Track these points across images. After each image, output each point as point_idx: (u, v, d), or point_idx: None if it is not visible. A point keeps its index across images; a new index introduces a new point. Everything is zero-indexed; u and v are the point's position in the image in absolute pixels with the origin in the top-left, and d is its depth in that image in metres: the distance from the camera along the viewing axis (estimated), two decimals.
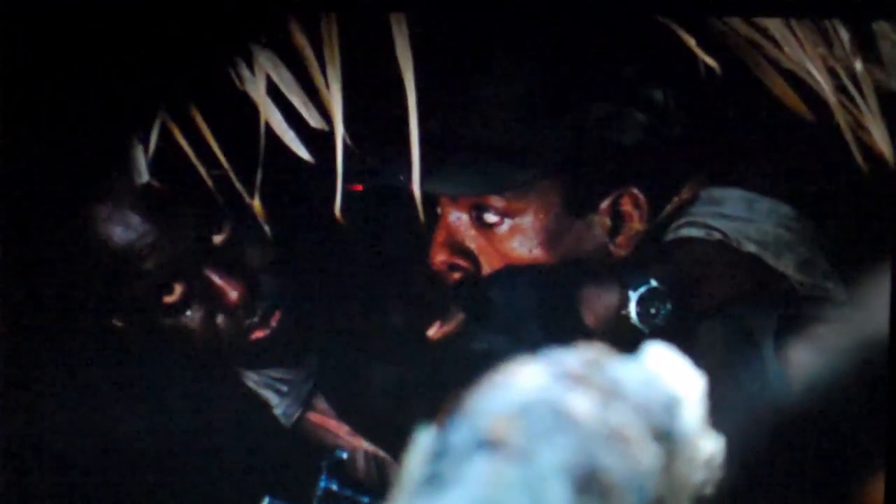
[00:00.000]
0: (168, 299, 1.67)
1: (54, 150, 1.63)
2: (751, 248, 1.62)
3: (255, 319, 1.68)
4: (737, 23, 1.59)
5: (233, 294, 1.66)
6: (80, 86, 1.59)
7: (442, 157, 1.62)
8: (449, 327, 1.59)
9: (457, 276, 1.66)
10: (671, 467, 0.96)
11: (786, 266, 1.62)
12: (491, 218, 1.64)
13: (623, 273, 1.58)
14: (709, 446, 1.02)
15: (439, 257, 1.66)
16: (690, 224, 1.65)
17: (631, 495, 0.91)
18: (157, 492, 1.70)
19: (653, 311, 1.56)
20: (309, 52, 1.56)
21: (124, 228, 1.63)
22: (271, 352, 1.73)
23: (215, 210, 1.66)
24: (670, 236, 1.66)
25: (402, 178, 1.62)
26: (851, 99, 1.56)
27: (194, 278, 1.66)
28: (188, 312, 1.68)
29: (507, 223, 1.63)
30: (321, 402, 1.80)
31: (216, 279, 1.66)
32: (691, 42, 1.55)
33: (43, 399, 1.71)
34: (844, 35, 1.56)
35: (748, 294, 1.61)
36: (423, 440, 0.92)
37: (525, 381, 0.94)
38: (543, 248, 1.63)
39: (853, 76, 1.56)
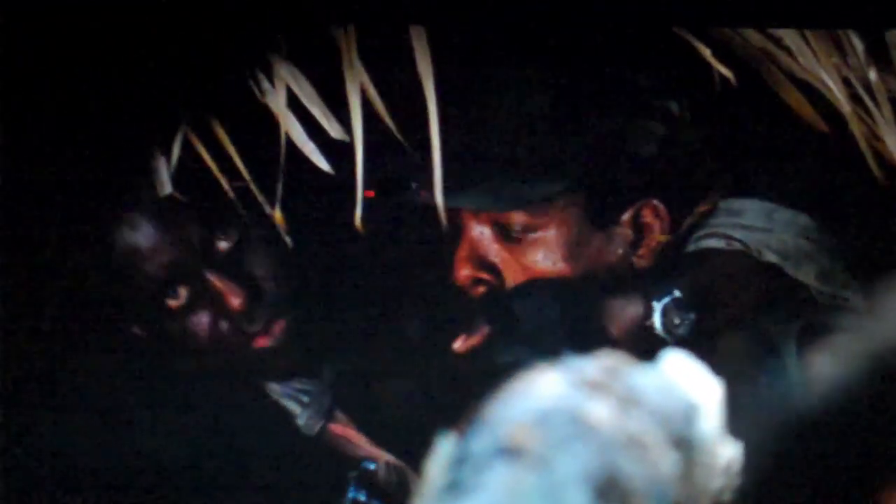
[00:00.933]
0: (173, 303, 1.67)
1: (78, 162, 1.64)
2: (771, 258, 1.62)
3: (258, 327, 1.69)
4: (751, 34, 1.60)
5: (235, 300, 1.66)
6: (104, 98, 1.60)
7: (465, 173, 1.63)
8: (474, 340, 1.59)
9: (481, 289, 1.66)
10: (689, 474, 0.96)
11: (806, 276, 1.62)
12: (514, 232, 1.64)
13: (646, 284, 1.59)
14: (727, 453, 1.03)
15: (463, 272, 1.66)
16: (711, 235, 1.65)
17: (650, 502, 0.91)
18: (178, 502, 1.70)
19: (676, 321, 1.56)
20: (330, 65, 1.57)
21: (130, 230, 1.65)
22: (278, 361, 1.74)
23: (222, 216, 1.67)
24: (691, 247, 1.66)
25: (414, 186, 1.63)
26: (866, 109, 1.56)
27: (198, 282, 1.67)
28: (193, 318, 1.68)
29: (530, 237, 1.63)
30: (343, 413, 1.80)
31: (218, 283, 1.67)
32: (707, 53, 1.55)
33: (62, 408, 1.72)
34: (859, 45, 1.56)
35: (769, 303, 1.62)
36: (444, 447, 0.93)
37: (544, 389, 0.95)
38: (566, 261, 1.63)
39: (867, 86, 1.55)
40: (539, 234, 1.63)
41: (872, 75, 1.55)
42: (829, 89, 1.56)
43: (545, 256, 1.63)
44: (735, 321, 1.60)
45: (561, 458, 0.90)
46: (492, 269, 1.65)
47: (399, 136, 1.57)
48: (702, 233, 1.65)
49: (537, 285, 1.62)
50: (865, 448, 1.52)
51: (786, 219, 1.65)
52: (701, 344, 1.52)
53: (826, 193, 1.68)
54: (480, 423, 0.93)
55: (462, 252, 1.66)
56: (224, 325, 1.69)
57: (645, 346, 1.53)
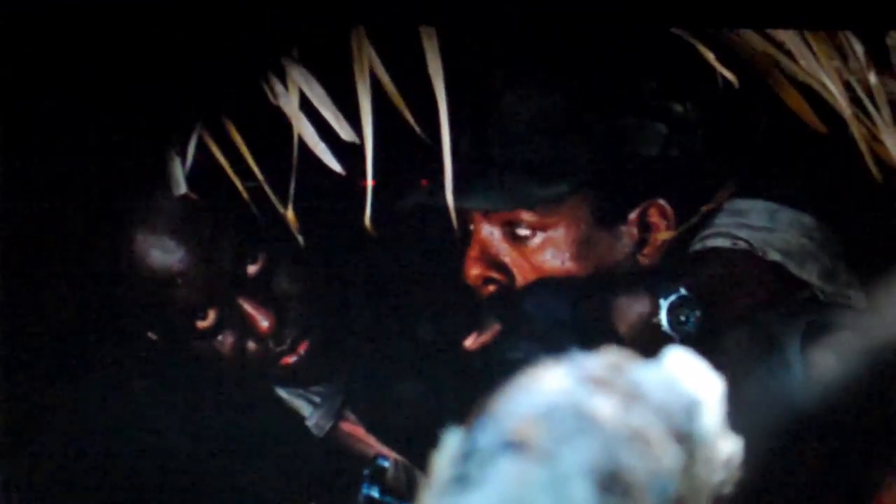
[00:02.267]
0: (201, 324, 1.68)
1: (92, 164, 1.65)
2: (775, 256, 1.63)
3: (285, 347, 1.70)
4: (753, 37, 1.60)
5: (264, 323, 1.66)
6: (119, 101, 1.61)
7: (475, 174, 1.64)
8: (485, 338, 1.60)
9: (491, 288, 1.67)
10: (691, 468, 0.98)
11: (809, 274, 1.63)
12: (523, 232, 1.65)
13: (653, 282, 1.60)
14: (727, 447, 1.04)
15: (474, 271, 1.67)
16: (716, 235, 1.66)
17: (652, 495, 0.93)
18: (185, 499, 1.70)
19: (682, 318, 1.57)
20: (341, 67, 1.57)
21: (162, 252, 1.65)
22: (299, 375, 1.74)
23: (252, 240, 1.67)
24: (697, 246, 1.67)
25: (420, 186, 1.64)
26: (866, 111, 1.57)
27: (228, 306, 1.67)
28: (220, 337, 1.69)
29: (539, 236, 1.64)
30: (353, 414, 1.81)
31: (249, 308, 1.67)
32: (710, 56, 1.56)
33: (81, 407, 1.73)
34: (859, 48, 1.56)
35: (773, 302, 1.62)
36: (451, 441, 0.95)
37: (549, 385, 0.97)
38: (574, 259, 1.64)
39: (867, 88, 1.56)
40: (548, 233, 1.64)
41: (872, 78, 1.55)
42: (830, 92, 1.57)
43: (554, 255, 1.64)
44: (739, 319, 1.61)
45: (565, 452, 0.91)
46: (502, 268, 1.66)
47: (416, 127, 1.57)
48: (707, 232, 1.67)
49: (546, 284, 1.63)
50: (865, 443, 1.53)
51: (789, 218, 1.65)
52: (706, 341, 1.53)
53: (827, 194, 1.69)
54: (487, 417, 0.94)
55: (473, 252, 1.67)
56: (251, 344, 1.69)
57: (652, 344, 1.54)
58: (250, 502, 1.73)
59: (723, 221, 1.66)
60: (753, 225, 1.65)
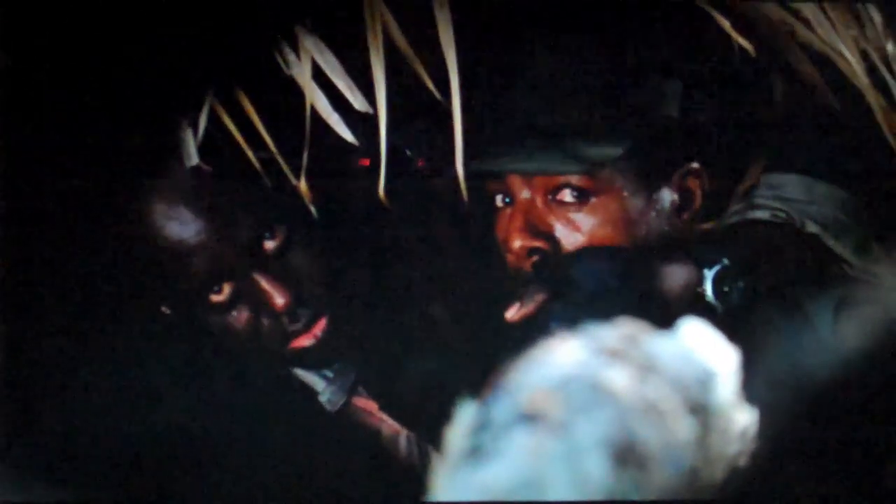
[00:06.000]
0: (216, 298, 1.67)
1: (105, 135, 1.65)
2: (813, 228, 1.62)
3: (299, 326, 1.70)
4: (770, 6, 1.59)
5: (280, 300, 1.66)
6: (131, 71, 1.61)
7: (519, 138, 1.63)
8: (528, 309, 1.58)
9: (534, 259, 1.66)
10: (706, 439, 0.98)
11: (843, 248, 1.63)
12: (569, 198, 1.65)
13: (697, 252, 1.59)
14: (742, 419, 1.04)
15: (517, 243, 1.64)
16: (754, 207, 1.65)
17: (667, 466, 0.93)
18: (198, 473, 1.71)
19: (726, 289, 1.57)
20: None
21: (179, 224, 1.65)
22: (313, 356, 1.74)
23: (270, 214, 1.67)
24: (736, 218, 1.67)
25: (409, 153, 1.63)
26: (882, 80, 1.56)
27: (243, 280, 1.67)
28: (234, 312, 1.69)
29: (587, 202, 1.64)
30: (366, 391, 1.81)
31: (265, 284, 1.67)
32: (725, 24, 1.56)
33: (92, 377, 1.73)
34: (877, 17, 1.56)
35: (806, 275, 1.62)
36: (465, 414, 0.95)
37: (564, 357, 0.97)
38: (619, 226, 1.63)
39: (885, 58, 1.56)
40: (591, 200, 1.63)
41: (890, 47, 1.55)
42: (847, 61, 1.56)
43: (597, 222, 1.63)
44: (772, 291, 1.60)
45: (580, 424, 0.91)
46: (547, 236, 1.65)
47: (433, 89, 1.56)
48: (744, 205, 1.66)
49: (593, 251, 1.61)
50: (883, 415, 1.53)
51: (824, 192, 1.65)
52: (737, 313, 1.53)
53: (851, 166, 1.68)
54: (501, 389, 0.94)
55: (516, 222, 1.65)
56: (265, 321, 1.69)
57: (696, 312, 1.53)
58: (261, 477, 1.73)
59: (760, 194, 1.66)
60: (791, 198, 1.65)
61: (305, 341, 1.70)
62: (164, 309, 1.73)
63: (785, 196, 1.65)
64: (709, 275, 1.57)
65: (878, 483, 1.55)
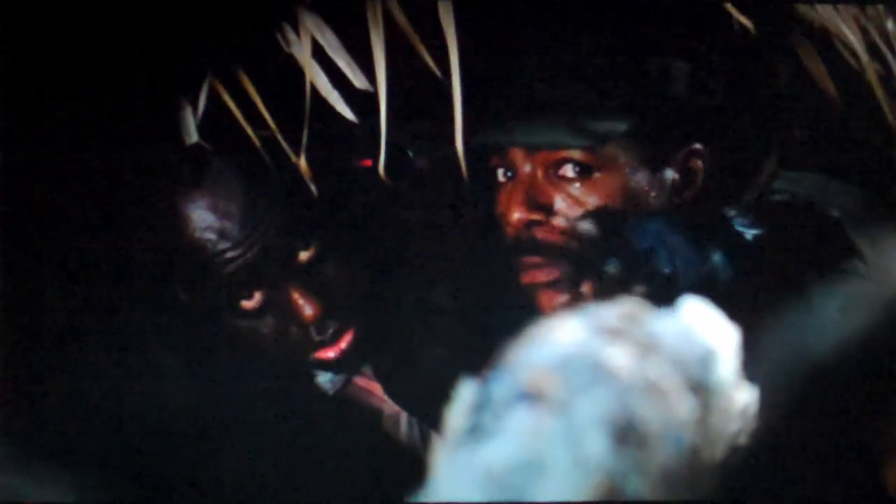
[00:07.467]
0: (246, 304, 1.68)
1: (104, 114, 1.65)
2: (836, 213, 1.62)
3: (327, 336, 1.70)
4: None
5: (308, 311, 1.67)
6: (130, 50, 1.61)
7: (522, 112, 1.63)
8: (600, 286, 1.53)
9: (535, 230, 1.66)
10: (706, 418, 0.98)
11: (862, 239, 1.62)
12: (570, 173, 1.64)
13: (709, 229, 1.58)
14: (743, 397, 1.04)
15: (516, 215, 1.64)
16: (776, 191, 1.65)
17: (667, 445, 0.93)
18: (199, 454, 1.71)
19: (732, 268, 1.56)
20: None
21: (218, 236, 1.65)
22: (334, 366, 1.74)
23: (306, 227, 1.67)
24: (754, 197, 1.66)
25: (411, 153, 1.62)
26: (882, 58, 1.56)
27: (275, 290, 1.67)
28: (263, 319, 1.70)
29: (584, 178, 1.63)
30: (367, 368, 1.81)
31: (296, 296, 1.68)
32: (727, 3, 1.56)
33: (99, 361, 1.73)
34: None
35: (821, 265, 1.61)
36: (466, 392, 0.95)
37: (564, 336, 0.97)
38: (618, 202, 1.63)
39: (885, 35, 1.55)
40: (593, 175, 1.63)
41: (890, 25, 1.55)
42: (847, 38, 1.56)
43: (599, 197, 1.62)
44: (784, 275, 1.60)
45: (580, 403, 0.91)
46: (546, 209, 1.65)
47: (432, 65, 1.56)
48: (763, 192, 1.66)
49: (644, 219, 1.60)
50: (883, 396, 1.53)
51: (841, 188, 1.65)
52: (744, 293, 1.53)
53: (845, 154, 1.68)
54: (502, 368, 0.94)
55: (517, 195, 1.65)
56: (293, 329, 1.69)
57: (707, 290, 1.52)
58: (262, 457, 1.73)
59: (778, 185, 1.66)
60: (810, 187, 1.64)
61: (330, 353, 1.70)
62: (181, 296, 1.73)
63: (805, 186, 1.65)
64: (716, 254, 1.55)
65: (878, 486, 1.55)
